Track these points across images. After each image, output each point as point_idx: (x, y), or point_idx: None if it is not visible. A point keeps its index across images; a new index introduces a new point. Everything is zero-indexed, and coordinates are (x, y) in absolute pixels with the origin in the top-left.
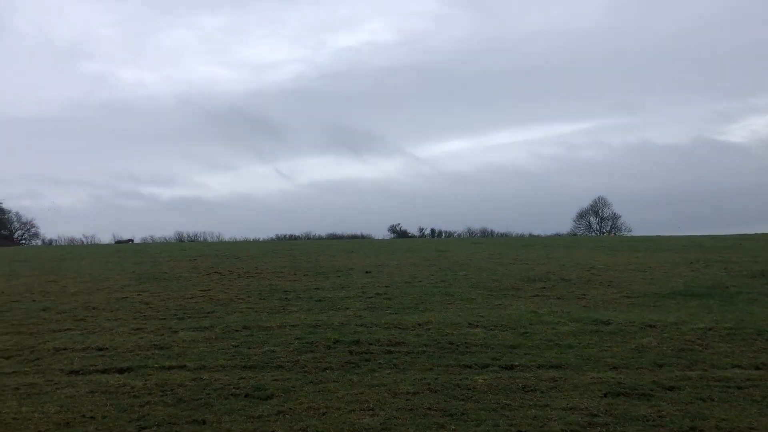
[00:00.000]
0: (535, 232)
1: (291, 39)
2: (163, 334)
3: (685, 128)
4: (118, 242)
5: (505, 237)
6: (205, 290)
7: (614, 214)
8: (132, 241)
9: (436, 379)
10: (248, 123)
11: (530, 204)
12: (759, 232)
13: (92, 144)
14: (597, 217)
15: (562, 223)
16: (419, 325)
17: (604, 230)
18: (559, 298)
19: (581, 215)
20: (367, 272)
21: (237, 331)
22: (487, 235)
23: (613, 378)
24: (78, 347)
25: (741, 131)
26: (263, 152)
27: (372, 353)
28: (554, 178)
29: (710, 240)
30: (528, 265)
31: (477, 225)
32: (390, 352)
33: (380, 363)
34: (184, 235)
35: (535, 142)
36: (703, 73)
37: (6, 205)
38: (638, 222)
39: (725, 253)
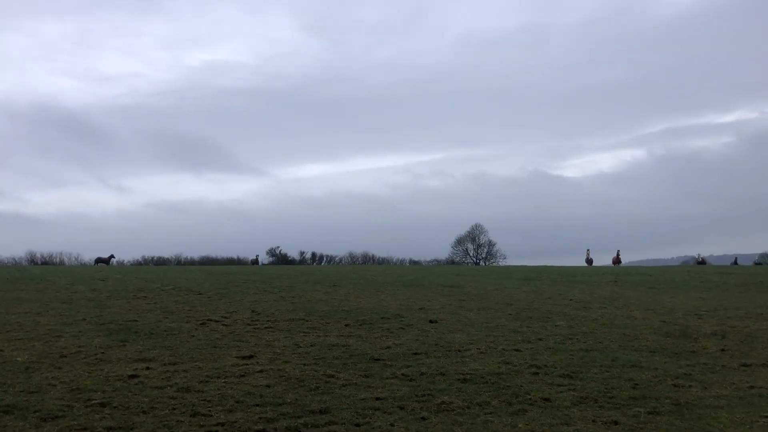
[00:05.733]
0: (415, 258)
1: (142, 52)
2: None
3: (522, 162)
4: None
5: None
6: (276, 368)
7: (490, 241)
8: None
9: None
10: (83, 137)
11: (382, 230)
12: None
13: None
14: (474, 243)
15: (425, 249)
16: None
17: (481, 257)
18: None
19: (459, 241)
20: (431, 321)
21: None
22: (368, 260)
23: None
24: None
25: (573, 168)
26: (98, 169)
27: None
28: (402, 205)
29: (714, 274)
30: (619, 311)
31: (356, 249)
32: None
33: None
34: (37, 255)
35: (384, 170)
36: (538, 112)
37: None
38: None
39: None
